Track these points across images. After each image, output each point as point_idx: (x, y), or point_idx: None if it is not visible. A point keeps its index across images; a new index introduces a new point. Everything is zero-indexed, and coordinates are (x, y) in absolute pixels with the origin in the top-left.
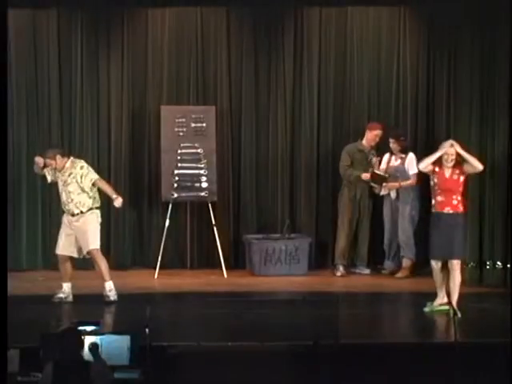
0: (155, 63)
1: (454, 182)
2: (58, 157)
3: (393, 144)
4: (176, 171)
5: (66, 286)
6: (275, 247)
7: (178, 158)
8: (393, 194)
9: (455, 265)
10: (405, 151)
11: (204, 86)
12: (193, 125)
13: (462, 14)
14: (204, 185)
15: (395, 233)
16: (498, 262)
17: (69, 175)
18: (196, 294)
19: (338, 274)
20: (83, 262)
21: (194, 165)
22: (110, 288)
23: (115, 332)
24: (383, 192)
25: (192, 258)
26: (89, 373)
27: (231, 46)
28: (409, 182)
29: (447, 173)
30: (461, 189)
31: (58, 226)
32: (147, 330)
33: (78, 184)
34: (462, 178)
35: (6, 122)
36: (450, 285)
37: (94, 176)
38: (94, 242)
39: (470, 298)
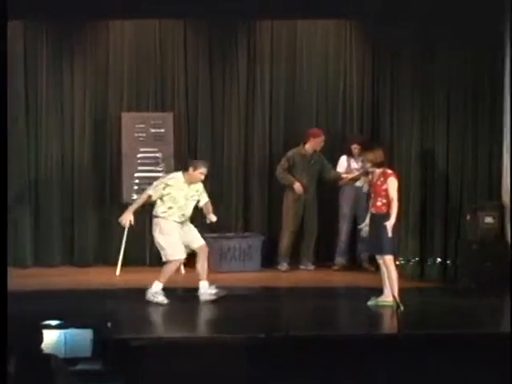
0: (116, 73)
1: (377, 186)
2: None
3: (358, 150)
4: (136, 174)
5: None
6: (230, 245)
7: (138, 161)
8: (365, 188)
9: (387, 261)
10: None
11: (162, 93)
12: (152, 130)
13: (403, 24)
14: None
15: (352, 231)
16: (438, 259)
17: (196, 190)
18: None
19: (283, 269)
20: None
21: (153, 168)
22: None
23: (79, 326)
24: (360, 184)
25: (151, 256)
26: (50, 366)
27: (188, 56)
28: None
29: (375, 178)
30: (384, 193)
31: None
32: (109, 323)
33: (196, 198)
34: (385, 186)
35: (6, 123)
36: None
37: (207, 198)
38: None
39: (412, 292)
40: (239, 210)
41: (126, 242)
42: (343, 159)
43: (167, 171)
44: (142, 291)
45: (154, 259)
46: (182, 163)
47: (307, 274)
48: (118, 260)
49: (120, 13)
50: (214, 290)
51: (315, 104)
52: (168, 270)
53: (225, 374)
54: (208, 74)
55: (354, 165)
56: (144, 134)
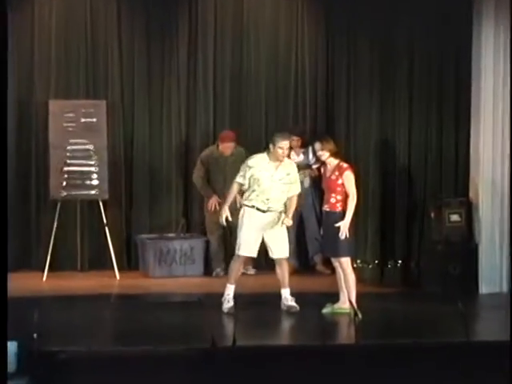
0: (42, 54)
1: (331, 181)
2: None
3: (297, 141)
4: (65, 168)
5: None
6: (170, 247)
7: (68, 154)
8: (306, 183)
9: (344, 264)
10: (305, 146)
11: (94, 78)
12: (82, 120)
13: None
14: (95, 182)
15: (301, 230)
16: (400, 261)
17: (287, 174)
18: (87, 297)
19: (219, 275)
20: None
21: (84, 161)
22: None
23: None
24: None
25: (83, 260)
26: None
27: (122, 34)
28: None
29: (328, 172)
30: (339, 189)
31: None
32: (35, 335)
33: (287, 182)
34: (340, 181)
35: (6, 122)
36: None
37: (296, 190)
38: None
39: (371, 297)
40: (180, 209)
41: (55, 244)
42: None
43: (99, 165)
44: (72, 298)
45: (85, 264)
46: (116, 156)
47: (253, 280)
48: (44, 264)
49: None
50: (291, 303)
51: (264, 89)
52: (232, 268)
53: None
54: (145, 55)
55: (295, 158)
56: (74, 124)
